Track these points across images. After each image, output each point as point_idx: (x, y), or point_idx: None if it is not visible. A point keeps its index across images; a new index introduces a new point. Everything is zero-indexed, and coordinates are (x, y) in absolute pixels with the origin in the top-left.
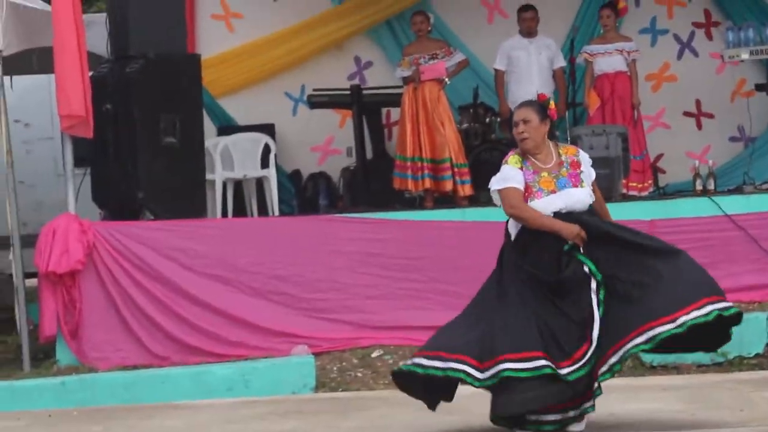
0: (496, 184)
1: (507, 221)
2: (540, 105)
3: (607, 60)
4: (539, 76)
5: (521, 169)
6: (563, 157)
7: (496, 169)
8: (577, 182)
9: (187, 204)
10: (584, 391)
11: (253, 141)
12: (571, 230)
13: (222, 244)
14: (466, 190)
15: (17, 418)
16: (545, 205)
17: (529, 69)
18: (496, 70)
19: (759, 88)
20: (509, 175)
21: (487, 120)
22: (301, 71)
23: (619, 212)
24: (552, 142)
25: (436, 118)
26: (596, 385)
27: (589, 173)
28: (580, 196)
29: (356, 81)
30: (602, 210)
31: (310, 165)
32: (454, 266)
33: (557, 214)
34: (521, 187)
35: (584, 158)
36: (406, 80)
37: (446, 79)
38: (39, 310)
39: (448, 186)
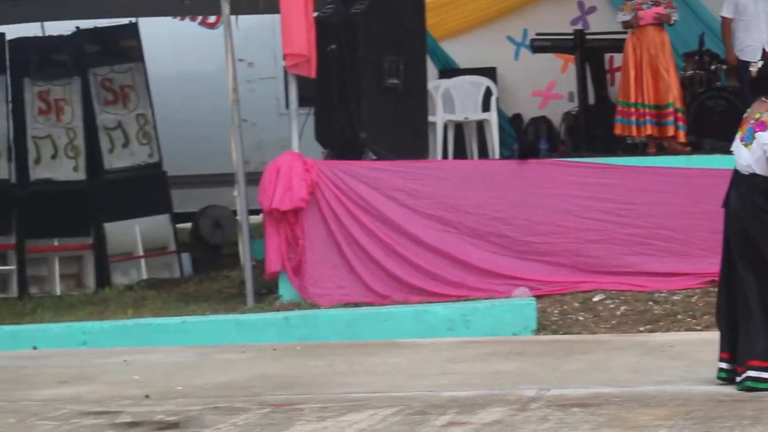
0: None
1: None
2: None
3: None
4: (767, 23)
5: None
6: None
7: (720, 117)
8: None
9: (410, 145)
10: None
11: (474, 84)
12: None
13: (443, 186)
14: (682, 136)
15: (242, 351)
16: None
17: (756, 16)
18: (723, 18)
19: None
20: None
21: (713, 67)
22: (524, 15)
23: None
24: None
25: (660, 63)
26: None
27: None
28: None
29: (579, 26)
30: None
31: (531, 109)
32: (677, 213)
33: None
34: None
35: None
36: (626, 25)
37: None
38: (264, 247)
39: (671, 131)
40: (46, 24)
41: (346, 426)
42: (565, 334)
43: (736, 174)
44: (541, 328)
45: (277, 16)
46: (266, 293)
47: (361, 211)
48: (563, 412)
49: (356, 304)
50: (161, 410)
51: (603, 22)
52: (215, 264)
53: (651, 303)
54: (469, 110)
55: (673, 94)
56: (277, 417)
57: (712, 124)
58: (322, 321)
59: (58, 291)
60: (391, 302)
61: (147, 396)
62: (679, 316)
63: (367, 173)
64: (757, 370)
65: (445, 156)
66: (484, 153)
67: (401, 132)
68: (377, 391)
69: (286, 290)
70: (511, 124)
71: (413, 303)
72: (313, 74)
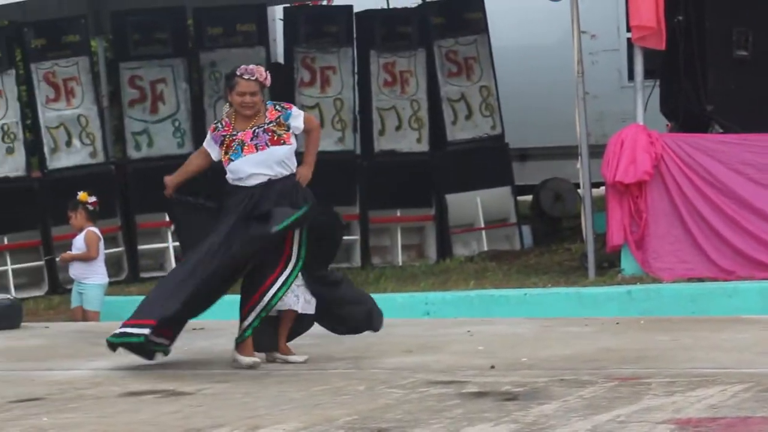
0: None
1: None
2: None
3: None
4: None
5: None
6: None
7: None
8: None
9: (759, 118)
10: None
11: None
12: None
13: None
14: None
15: (584, 324)
16: None
17: None
18: None
19: None
20: None
21: None
22: None
23: None
24: None
25: None
26: None
27: None
28: None
29: None
30: None
31: None
32: None
33: None
34: None
35: None
36: None
37: None
38: (606, 220)
39: None
40: None
41: (695, 401)
42: None
43: None
44: None
45: None
46: (607, 267)
47: (707, 185)
48: None
49: (700, 279)
50: (507, 381)
51: None
52: (555, 237)
53: None
54: None
55: None
56: (624, 391)
57: None
58: (665, 295)
59: (399, 261)
60: (736, 278)
61: (492, 366)
62: None
63: (714, 146)
64: None
65: None
66: None
67: (750, 105)
68: (725, 366)
69: (629, 264)
70: None
71: (759, 279)
72: (662, 46)
